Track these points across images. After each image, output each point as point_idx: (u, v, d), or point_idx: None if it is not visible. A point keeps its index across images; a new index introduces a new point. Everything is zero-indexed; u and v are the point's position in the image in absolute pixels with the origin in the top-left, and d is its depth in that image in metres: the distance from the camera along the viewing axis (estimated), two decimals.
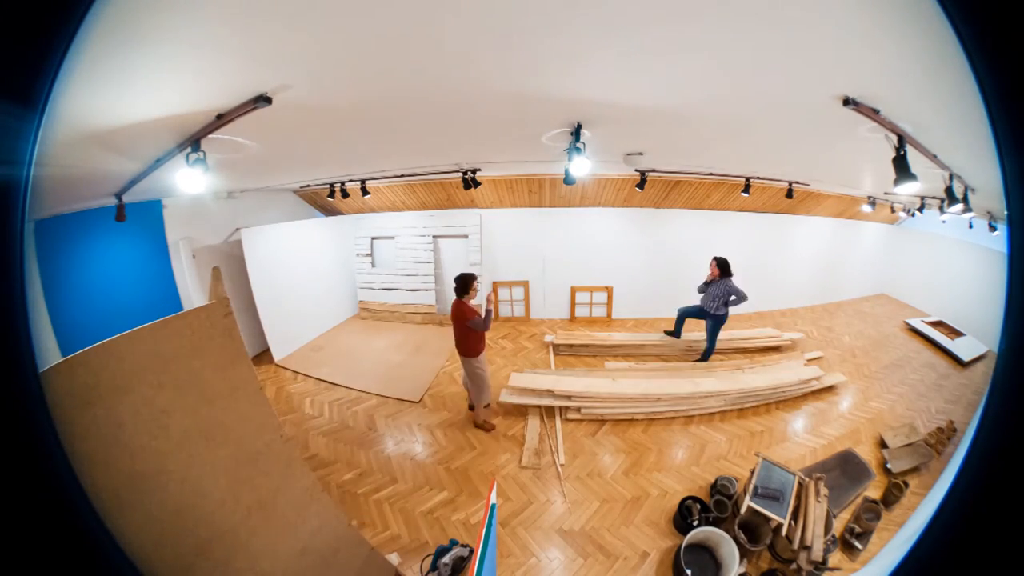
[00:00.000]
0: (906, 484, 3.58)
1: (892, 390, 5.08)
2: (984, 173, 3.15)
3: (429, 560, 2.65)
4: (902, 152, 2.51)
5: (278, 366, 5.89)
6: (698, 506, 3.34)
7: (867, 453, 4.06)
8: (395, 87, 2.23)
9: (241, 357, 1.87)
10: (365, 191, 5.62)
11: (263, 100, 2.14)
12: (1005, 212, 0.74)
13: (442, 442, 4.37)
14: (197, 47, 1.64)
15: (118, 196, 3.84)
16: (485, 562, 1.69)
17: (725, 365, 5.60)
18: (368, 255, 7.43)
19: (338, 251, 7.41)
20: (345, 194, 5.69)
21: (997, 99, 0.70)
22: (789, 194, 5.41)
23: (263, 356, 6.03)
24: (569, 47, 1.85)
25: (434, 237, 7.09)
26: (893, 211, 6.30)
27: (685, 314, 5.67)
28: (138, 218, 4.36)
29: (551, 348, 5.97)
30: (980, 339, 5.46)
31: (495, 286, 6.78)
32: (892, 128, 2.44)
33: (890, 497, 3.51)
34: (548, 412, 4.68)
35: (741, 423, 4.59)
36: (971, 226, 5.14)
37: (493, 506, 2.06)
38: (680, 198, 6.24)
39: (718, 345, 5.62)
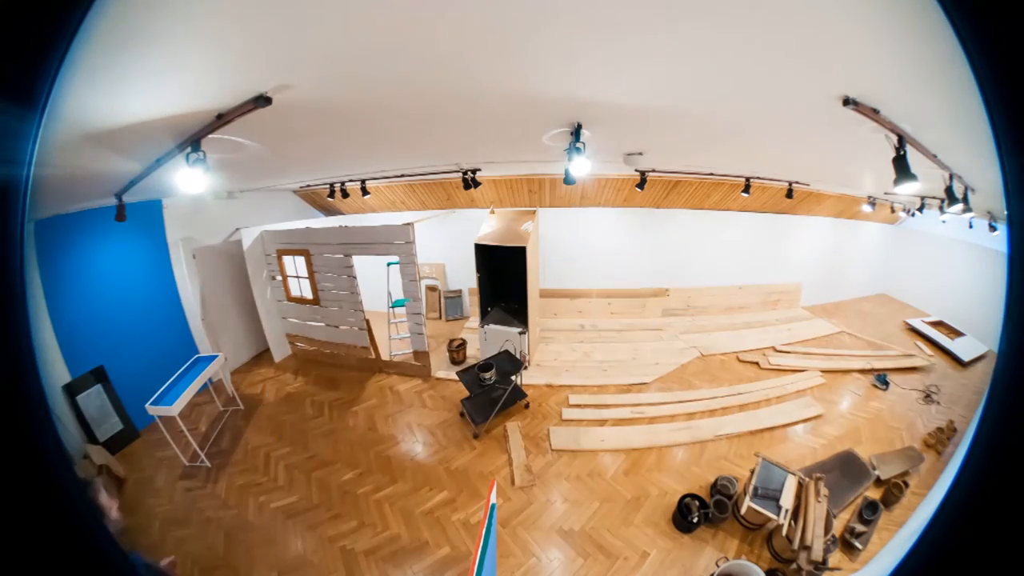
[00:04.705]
0: (906, 484, 3.59)
1: (892, 390, 5.08)
2: (984, 173, 3.15)
3: None
4: (902, 152, 2.51)
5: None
6: (697, 503, 3.34)
7: (867, 453, 4.06)
8: (395, 87, 2.23)
9: None
10: (365, 191, 5.62)
11: (263, 100, 2.14)
12: (1005, 212, 0.74)
13: (442, 442, 4.37)
14: (197, 47, 1.64)
15: (118, 196, 3.85)
16: (485, 562, 1.69)
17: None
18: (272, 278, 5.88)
19: None
20: (345, 194, 5.69)
21: (997, 99, 0.70)
22: (789, 194, 5.41)
23: (263, 356, 6.04)
24: (569, 47, 1.84)
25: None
26: (893, 211, 6.30)
27: None
28: (138, 218, 4.36)
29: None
30: (980, 339, 5.46)
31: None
32: (892, 128, 2.44)
33: (890, 497, 3.51)
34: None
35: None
36: (971, 226, 5.14)
37: (493, 506, 2.07)
38: (680, 198, 6.24)
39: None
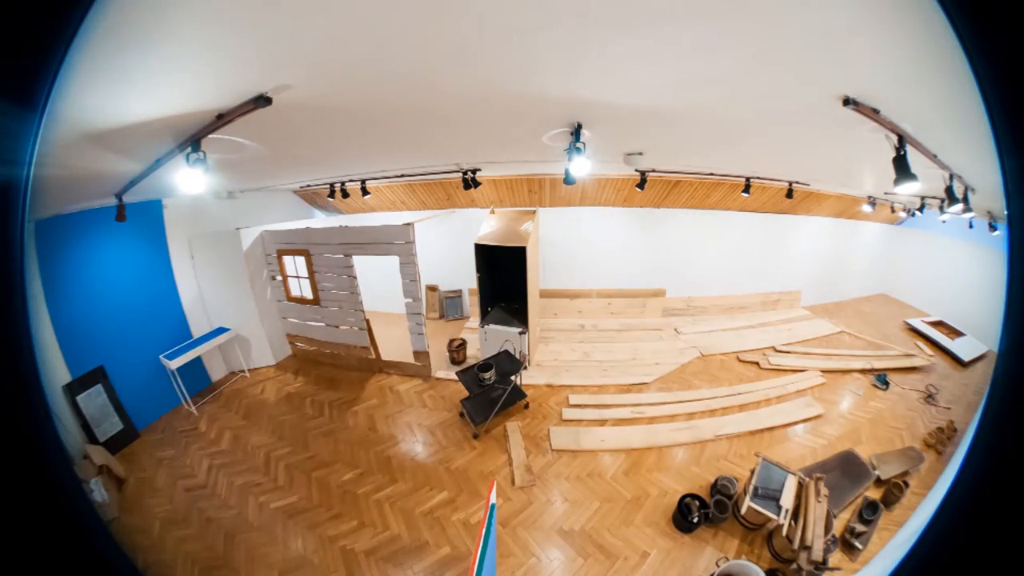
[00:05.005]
0: (906, 484, 3.58)
1: (892, 390, 5.08)
2: (984, 173, 3.15)
3: None
4: (902, 152, 2.51)
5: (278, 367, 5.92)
6: (697, 503, 3.34)
7: (867, 453, 4.06)
8: (395, 87, 2.23)
9: None
10: (365, 191, 5.62)
11: (263, 100, 2.14)
12: (1005, 212, 0.74)
13: (442, 442, 4.37)
14: (197, 47, 1.64)
15: (118, 196, 3.85)
16: (485, 562, 1.69)
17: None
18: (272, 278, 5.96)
19: None
20: (345, 194, 5.69)
21: (997, 99, 0.70)
22: (789, 194, 5.41)
23: (263, 356, 6.03)
24: (570, 47, 1.84)
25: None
26: (893, 211, 6.30)
27: None
28: (138, 218, 4.37)
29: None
30: (980, 339, 5.46)
31: None
32: (892, 128, 2.44)
33: (890, 497, 3.51)
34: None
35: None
36: (971, 226, 5.15)
37: (493, 506, 2.07)
38: (680, 198, 6.24)
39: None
